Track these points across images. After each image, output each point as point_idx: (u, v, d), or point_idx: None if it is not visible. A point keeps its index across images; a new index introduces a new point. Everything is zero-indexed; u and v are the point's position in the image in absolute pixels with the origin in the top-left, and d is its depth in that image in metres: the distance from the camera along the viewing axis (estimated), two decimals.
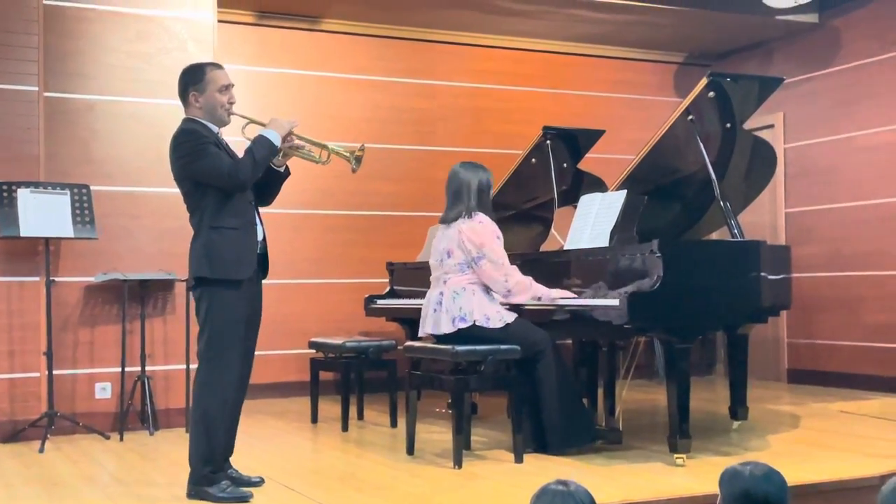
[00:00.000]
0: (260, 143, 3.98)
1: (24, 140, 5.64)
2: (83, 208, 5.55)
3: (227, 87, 4.04)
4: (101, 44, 5.93)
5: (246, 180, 3.93)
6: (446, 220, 4.80)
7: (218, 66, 4.11)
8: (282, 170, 4.20)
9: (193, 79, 4.03)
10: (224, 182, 3.89)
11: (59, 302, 5.68)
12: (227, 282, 3.90)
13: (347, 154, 4.20)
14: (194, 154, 3.90)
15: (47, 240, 5.46)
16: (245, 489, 3.97)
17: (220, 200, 3.92)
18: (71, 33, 5.86)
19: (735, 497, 2.29)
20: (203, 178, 3.91)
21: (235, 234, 3.93)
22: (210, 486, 3.89)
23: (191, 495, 3.93)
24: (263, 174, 4.10)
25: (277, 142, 4.02)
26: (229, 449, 4.17)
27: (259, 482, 4.15)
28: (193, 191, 3.96)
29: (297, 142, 4.16)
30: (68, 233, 5.48)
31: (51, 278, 5.48)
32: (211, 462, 3.92)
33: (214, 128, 4.04)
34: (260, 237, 4.09)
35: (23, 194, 5.39)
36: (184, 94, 4.04)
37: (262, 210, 4.25)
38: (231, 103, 4.05)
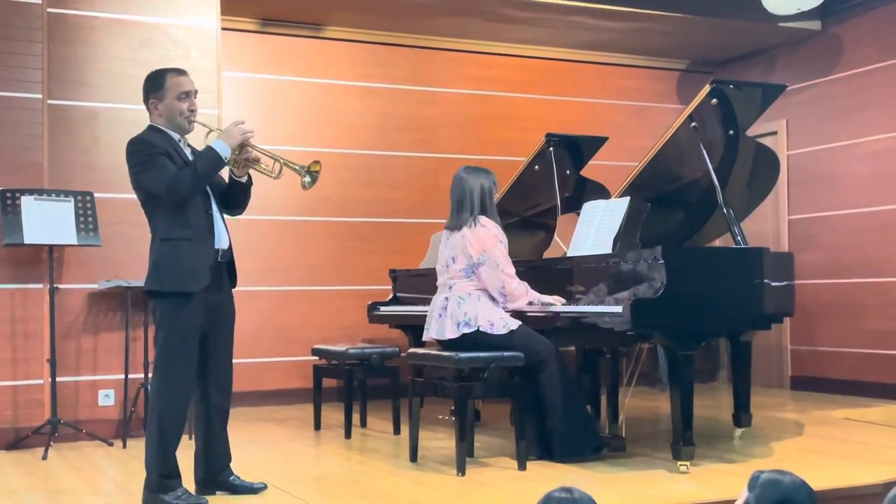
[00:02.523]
0: (204, 155, 3.92)
1: (28, 148, 5.65)
2: (87, 216, 5.56)
3: (188, 94, 3.99)
4: (105, 52, 5.94)
5: (185, 193, 3.85)
6: (451, 227, 4.82)
7: (180, 73, 4.04)
8: (243, 180, 4.11)
9: (153, 86, 4.00)
10: (164, 195, 3.84)
11: (63, 309, 5.69)
12: (177, 294, 3.88)
13: (298, 168, 4.07)
14: (141, 165, 3.88)
15: (51, 247, 5.47)
16: (202, 497, 3.96)
17: (172, 211, 3.88)
18: (75, 41, 5.87)
19: (772, 503, 2.29)
20: (149, 189, 3.90)
21: (188, 246, 3.89)
22: (165, 493, 3.87)
23: (146, 502, 3.91)
24: (227, 184, 4.11)
25: (225, 153, 3.93)
26: (226, 455, 4.17)
27: (262, 488, 4.15)
28: (147, 200, 3.95)
29: (253, 154, 4.05)
30: (72, 240, 5.49)
31: (54, 285, 5.49)
32: (164, 467, 3.88)
33: (175, 135, 4.00)
34: (223, 246, 4.03)
35: (27, 202, 5.40)
36: (145, 101, 4.02)
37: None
38: (192, 110, 3.99)
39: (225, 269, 4.07)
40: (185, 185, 3.84)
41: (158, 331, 3.94)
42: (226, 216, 4.15)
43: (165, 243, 3.90)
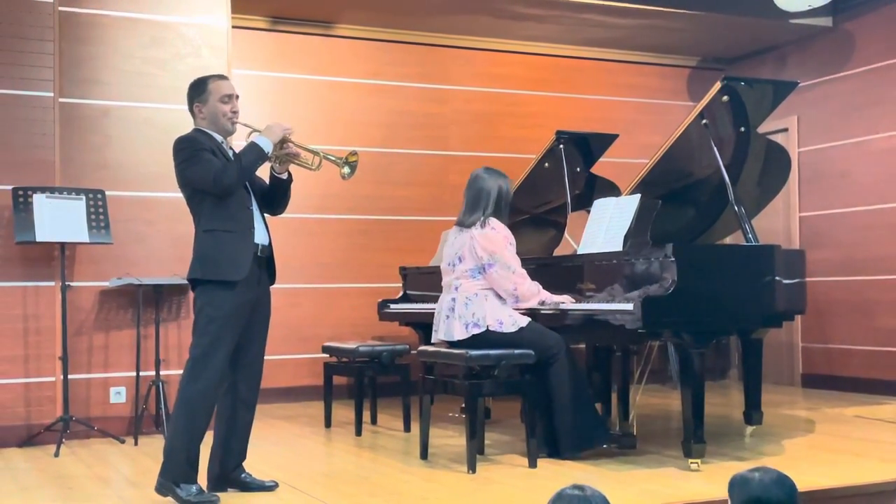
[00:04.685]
0: (249, 150, 4.04)
1: (39, 146, 5.68)
2: (98, 213, 5.58)
3: (230, 97, 4.12)
4: (116, 49, 5.96)
5: (231, 184, 3.97)
6: (462, 224, 4.82)
7: (221, 77, 4.19)
8: (284, 176, 4.22)
9: (197, 91, 4.14)
10: (210, 187, 3.96)
11: (75, 307, 5.71)
12: (218, 282, 3.96)
13: (337, 159, 4.18)
14: (188, 161, 4.00)
15: (63, 245, 5.49)
16: (214, 495, 3.97)
17: (215, 205, 4.00)
18: (86, 39, 5.89)
19: (744, 503, 2.29)
20: (195, 184, 4.01)
21: (229, 237, 3.99)
22: (179, 484, 3.88)
23: (158, 489, 3.93)
24: (269, 182, 4.22)
25: (268, 148, 4.06)
26: (242, 454, 4.18)
27: (273, 486, 4.16)
28: (193, 196, 4.06)
29: (293, 149, 4.18)
30: (83, 238, 5.51)
31: (66, 283, 5.51)
32: (189, 452, 3.90)
33: (219, 137, 4.12)
34: (263, 242, 4.12)
35: (39, 200, 5.42)
36: (190, 107, 4.16)
37: (266, 215, 4.29)
38: (234, 112, 4.12)
39: (264, 264, 4.15)
40: (230, 177, 3.95)
41: (198, 318, 3.99)
42: (267, 215, 4.24)
43: (208, 234, 4.00)
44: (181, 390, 3.98)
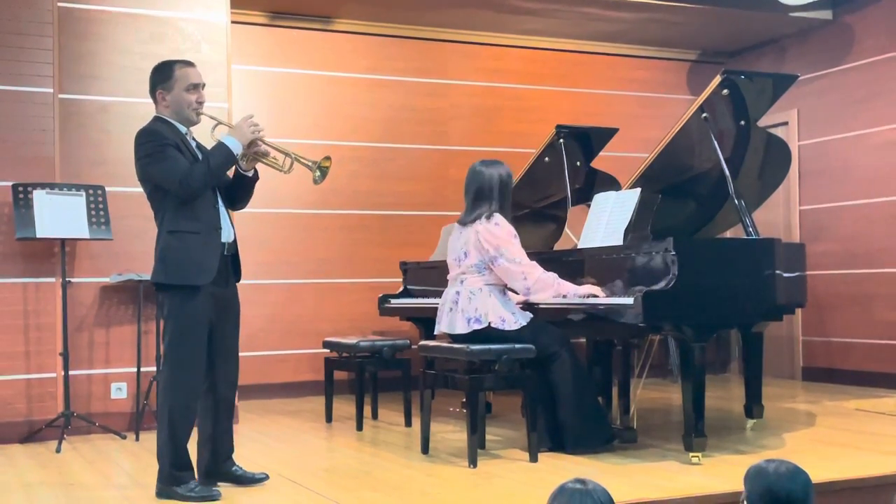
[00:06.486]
0: (217, 151, 3.92)
1: (39, 142, 5.67)
2: (98, 209, 5.58)
3: (196, 86, 3.99)
4: (115, 45, 5.95)
5: (198, 188, 3.86)
6: (464, 223, 4.77)
7: (188, 64, 4.05)
8: (250, 174, 4.11)
9: (161, 77, 4.00)
10: (175, 189, 3.84)
11: (75, 302, 5.71)
12: (185, 287, 3.88)
13: (310, 163, 4.06)
14: (150, 156, 3.87)
15: (63, 241, 5.49)
16: (214, 488, 3.97)
17: (180, 203, 3.88)
18: (85, 35, 5.88)
19: (757, 494, 2.30)
20: (158, 182, 3.90)
21: (195, 239, 3.90)
22: (178, 485, 3.89)
23: (159, 494, 3.94)
24: (232, 177, 4.11)
25: (237, 149, 3.93)
26: (230, 448, 4.18)
27: (264, 478, 4.16)
28: (154, 192, 3.95)
29: (263, 148, 4.05)
30: (84, 234, 5.51)
31: (66, 279, 5.51)
32: (175, 460, 3.92)
33: (182, 127, 4.00)
34: (229, 239, 4.04)
35: (39, 196, 5.42)
36: (152, 92, 4.02)
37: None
38: (200, 102, 3.99)
39: (230, 262, 4.09)
40: (197, 181, 3.85)
41: (167, 324, 3.95)
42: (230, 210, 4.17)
43: (173, 236, 3.90)
44: (161, 402, 3.97)
